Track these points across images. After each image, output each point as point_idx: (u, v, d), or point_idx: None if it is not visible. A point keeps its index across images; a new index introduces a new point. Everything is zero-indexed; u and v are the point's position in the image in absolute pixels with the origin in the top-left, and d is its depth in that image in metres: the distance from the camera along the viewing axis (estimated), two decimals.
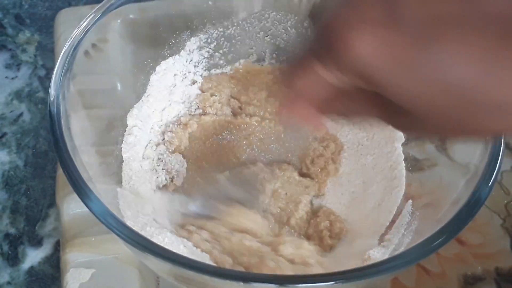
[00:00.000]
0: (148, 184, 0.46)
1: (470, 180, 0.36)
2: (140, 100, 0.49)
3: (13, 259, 0.49)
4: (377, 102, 0.27)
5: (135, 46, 0.49)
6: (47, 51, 0.63)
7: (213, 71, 0.53)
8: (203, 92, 0.52)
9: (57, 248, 0.49)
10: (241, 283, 0.30)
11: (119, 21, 0.47)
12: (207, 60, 0.53)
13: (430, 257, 0.46)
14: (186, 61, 0.52)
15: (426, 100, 0.25)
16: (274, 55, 0.54)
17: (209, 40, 0.52)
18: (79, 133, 0.38)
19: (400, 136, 0.47)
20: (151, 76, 0.50)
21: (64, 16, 0.59)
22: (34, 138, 0.56)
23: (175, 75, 0.51)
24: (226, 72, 0.54)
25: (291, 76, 0.29)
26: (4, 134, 0.56)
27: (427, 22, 0.24)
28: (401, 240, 0.40)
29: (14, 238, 0.50)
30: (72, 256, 0.43)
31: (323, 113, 0.31)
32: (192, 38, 0.51)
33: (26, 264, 0.48)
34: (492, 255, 0.47)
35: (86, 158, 0.37)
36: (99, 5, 0.43)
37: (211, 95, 0.52)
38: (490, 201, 0.49)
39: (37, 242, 0.50)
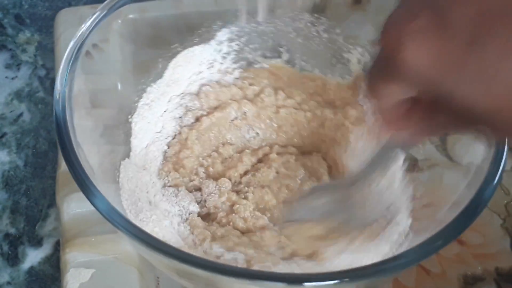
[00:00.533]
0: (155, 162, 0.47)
1: (472, 180, 0.36)
2: (161, 79, 0.49)
3: (13, 259, 0.49)
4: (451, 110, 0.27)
5: (136, 46, 0.49)
6: (47, 51, 0.63)
7: (241, 63, 0.53)
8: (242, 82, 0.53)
9: (57, 248, 0.49)
10: (247, 281, 0.30)
11: (119, 21, 0.47)
12: (236, 53, 0.52)
13: (430, 257, 0.46)
14: (215, 51, 0.52)
15: (491, 100, 0.24)
16: (304, 57, 0.53)
17: (240, 34, 0.52)
18: (82, 132, 0.38)
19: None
20: (173, 59, 0.50)
21: (64, 16, 0.59)
22: (34, 138, 0.56)
23: (201, 62, 0.51)
24: (266, 67, 0.53)
25: (374, 93, 0.31)
26: (4, 134, 0.56)
27: (477, 19, 0.23)
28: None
29: (14, 238, 0.50)
30: (72, 256, 0.43)
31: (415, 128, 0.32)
32: (223, 29, 0.51)
33: (26, 264, 0.48)
34: (492, 255, 0.47)
35: (89, 157, 0.37)
36: (103, 4, 0.44)
37: (250, 85, 0.52)
38: (490, 201, 0.49)
39: (37, 242, 0.50)
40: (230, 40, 0.52)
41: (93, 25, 0.42)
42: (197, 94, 0.51)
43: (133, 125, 0.47)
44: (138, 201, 0.42)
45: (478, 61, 0.23)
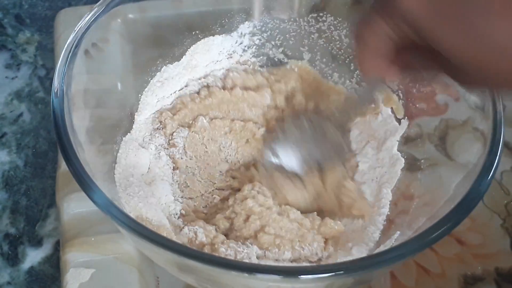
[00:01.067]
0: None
1: (468, 176, 0.36)
2: (178, 62, 0.50)
3: (13, 259, 0.49)
4: (435, 56, 0.29)
5: (136, 45, 0.49)
6: (47, 51, 0.63)
7: (261, 58, 0.53)
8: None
9: (57, 248, 0.49)
10: (246, 275, 0.30)
11: (119, 21, 0.47)
12: (257, 47, 0.53)
13: (430, 257, 0.46)
14: (236, 43, 0.52)
15: (470, 53, 0.27)
16: (324, 59, 0.53)
17: (263, 29, 0.52)
18: (80, 131, 0.38)
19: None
20: (193, 45, 0.50)
21: (64, 16, 0.59)
22: (34, 138, 0.56)
23: (220, 51, 0.52)
24: (294, 69, 0.53)
25: (360, 30, 0.33)
26: (4, 134, 0.56)
27: None
28: None
29: (14, 238, 0.50)
30: (72, 256, 0.43)
31: (394, 65, 0.34)
32: (247, 22, 0.52)
33: (26, 264, 0.48)
34: (492, 255, 0.47)
35: (87, 154, 0.37)
36: (100, 1, 0.44)
37: (276, 81, 0.52)
38: (490, 201, 0.50)
39: (37, 242, 0.50)
40: (252, 34, 0.52)
41: (90, 21, 0.42)
42: (223, 78, 0.51)
43: (141, 101, 0.48)
44: (131, 176, 0.43)
45: (464, 16, 0.26)
